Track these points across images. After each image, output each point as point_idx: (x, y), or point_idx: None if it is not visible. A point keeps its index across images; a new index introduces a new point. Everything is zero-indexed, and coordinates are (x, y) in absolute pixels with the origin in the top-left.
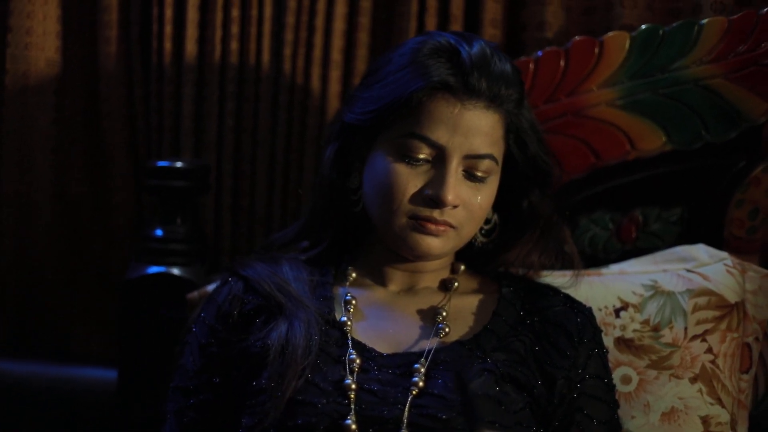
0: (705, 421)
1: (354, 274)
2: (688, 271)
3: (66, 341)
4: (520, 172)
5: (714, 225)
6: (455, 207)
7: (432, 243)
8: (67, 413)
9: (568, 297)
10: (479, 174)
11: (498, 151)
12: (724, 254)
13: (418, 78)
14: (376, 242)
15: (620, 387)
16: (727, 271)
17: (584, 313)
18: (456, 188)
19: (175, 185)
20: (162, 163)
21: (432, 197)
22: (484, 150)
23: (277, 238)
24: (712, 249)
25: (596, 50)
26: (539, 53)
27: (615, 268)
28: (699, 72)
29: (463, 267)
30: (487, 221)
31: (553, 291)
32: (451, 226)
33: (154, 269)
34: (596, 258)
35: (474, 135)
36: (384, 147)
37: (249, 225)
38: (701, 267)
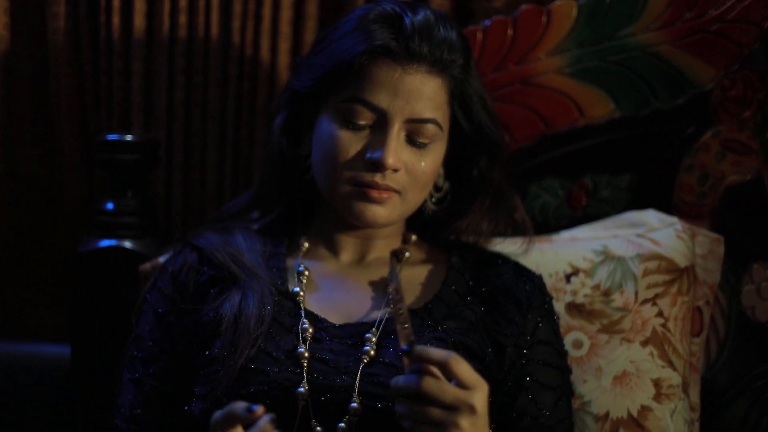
0: (657, 383)
1: (306, 244)
2: (639, 236)
3: (19, 319)
4: (468, 140)
5: (664, 191)
6: (396, 171)
7: (377, 211)
8: (21, 390)
9: (517, 265)
10: (422, 140)
11: (442, 117)
12: (673, 219)
13: (361, 42)
14: (326, 210)
15: (572, 352)
16: (677, 236)
17: (533, 280)
18: (397, 152)
19: (125, 158)
20: (112, 137)
21: (372, 161)
22: (426, 114)
23: (229, 208)
24: (662, 214)
25: (544, 19)
26: (487, 22)
27: (566, 234)
28: (646, 39)
29: (414, 237)
30: (438, 189)
31: (503, 259)
32: (395, 191)
33: (105, 242)
34: (547, 225)
35: (415, 99)
36: (329, 112)
37: (200, 199)
38: (651, 232)
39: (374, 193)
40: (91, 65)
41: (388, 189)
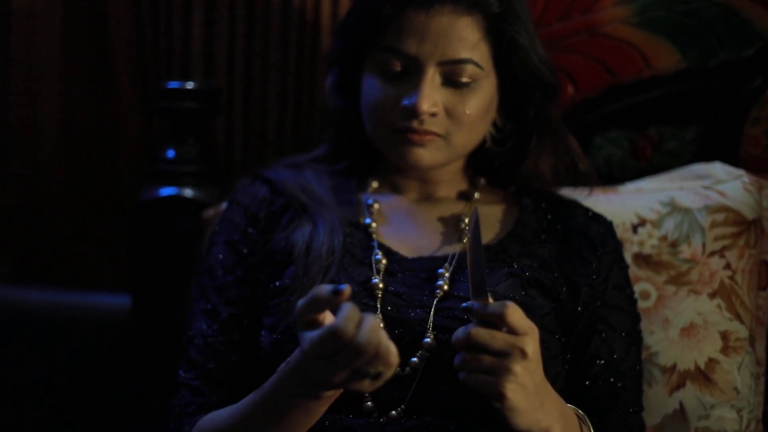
0: (724, 336)
1: (375, 184)
2: (705, 188)
3: (77, 270)
4: (520, 79)
5: (730, 144)
6: (434, 115)
7: (419, 153)
8: (81, 341)
9: (589, 209)
10: (462, 80)
11: (480, 56)
12: (740, 172)
13: None
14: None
15: (640, 303)
16: (744, 189)
17: (606, 224)
18: (432, 96)
19: (186, 106)
20: (173, 84)
21: (407, 107)
22: (459, 54)
23: (299, 159)
24: (729, 167)
25: None
26: None
27: (631, 186)
28: None
29: (483, 180)
30: (500, 130)
31: (575, 203)
32: (437, 135)
33: (166, 191)
34: (611, 177)
35: (445, 41)
36: (367, 67)
37: (260, 148)
38: (718, 184)
39: (415, 136)
40: (151, 13)
41: (428, 133)
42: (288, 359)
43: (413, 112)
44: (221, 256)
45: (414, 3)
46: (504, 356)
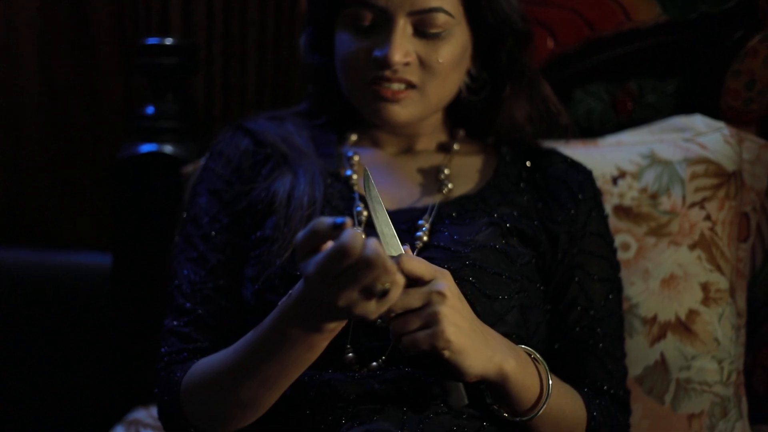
0: (704, 287)
1: (354, 137)
2: (686, 140)
3: (58, 229)
4: (491, 26)
5: (710, 97)
6: (407, 65)
7: (394, 109)
8: (63, 300)
9: (569, 158)
10: (433, 30)
11: (450, 4)
12: (720, 124)
13: None
14: None
15: (620, 254)
16: (725, 141)
17: (585, 172)
18: (403, 46)
19: (165, 62)
20: (152, 41)
21: (379, 58)
22: (429, 4)
23: (279, 113)
24: (709, 119)
25: None
26: None
27: (611, 138)
28: None
29: (462, 132)
30: (474, 80)
31: (554, 151)
32: (410, 85)
33: (146, 147)
34: (592, 130)
35: None
36: (339, 24)
37: (240, 104)
38: (698, 136)
39: (387, 92)
40: None
41: (401, 81)
42: (290, 291)
43: (385, 63)
44: (206, 204)
45: None
46: (426, 306)
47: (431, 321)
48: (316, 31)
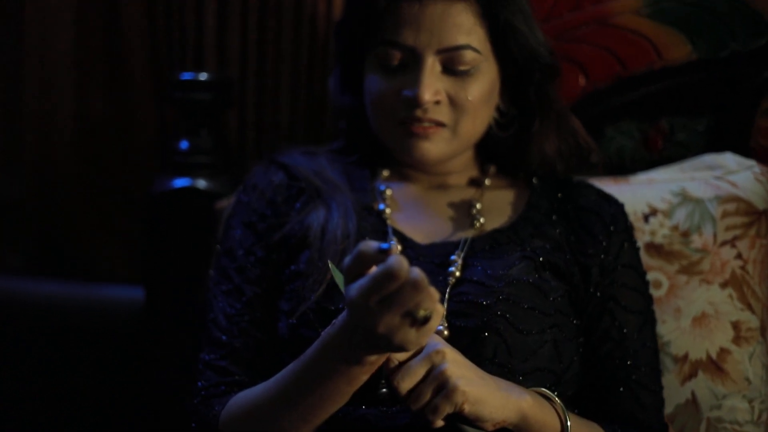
0: (735, 326)
1: (386, 173)
2: (716, 178)
3: (91, 261)
4: (518, 61)
5: (741, 135)
6: (437, 103)
7: (425, 146)
8: (94, 333)
9: (600, 190)
10: (461, 67)
11: (477, 41)
12: (751, 162)
13: None
14: None
15: (651, 292)
16: (755, 179)
17: (618, 204)
18: (433, 85)
19: (199, 97)
20: (186, 76)
21: (409, 97)
22: (457, 41)
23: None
24: (740, 157)
25: None
26: None
27: (643, 176)
28: None
29: (493, 168)
30: (504, 115)
31: (585, 183)
32: (441, 124)
33: (179, 182)
34: (623, 168)
35: (440, 28)
36: (367, 64)
37: (273, 140)
38: (729, 174)
39: (419, 129)
40: (164, 4)
41: (432, 122)
42: (333, 321)
43: (416, 102)
44: (240, 237)
45: None
46: (431, 370)
47: (442, 382)
48: (345, 71)
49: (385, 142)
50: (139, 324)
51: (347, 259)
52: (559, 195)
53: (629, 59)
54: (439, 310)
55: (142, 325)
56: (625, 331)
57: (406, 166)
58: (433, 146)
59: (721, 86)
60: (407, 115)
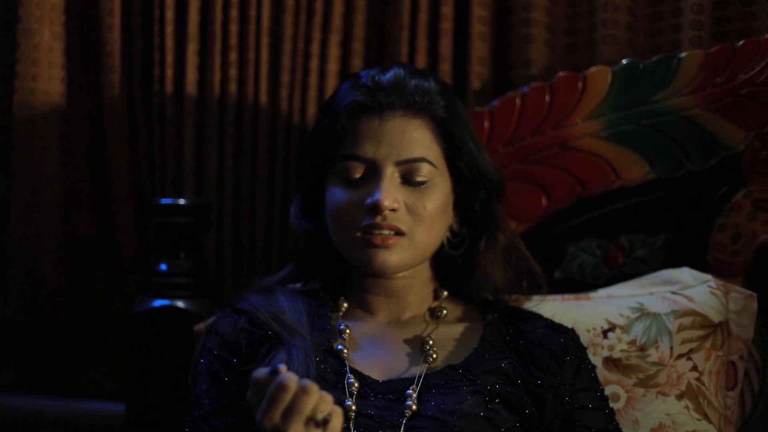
0: None
1: (346, 305)
2: (673, 293)
3: (76, 378)
4: (468, 178)
5: (697, 250)
6: (395, 210)
7: (385, 255)
8: None
9: (550, 321)
10: (419, 178)
11: (433, 155)
12: (707, 276)
13: (337, 109)
14: (357, 274)
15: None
16: (711, 293)
17: (566, 333)
18: (392, 193)
19: (178, 221)
20: (166, 201)
21: (370, 205)
22: (413, 154)
23: (271, 281)
24: (696, 272)
25: (580, 85)
26: (525, 89)
27: (603, 292)
28: (679, 103)
29: (445, 293)
30: (455, 235)
31: (536, 316)
32: (400, 233)
33: (159, 302)
34: (585, 283)
35: (399, 142)
36: (330, 180)
37: (250, 260)
38: (686, 289)
39: (378, 239)
40: (145, 132)
41: (391, 228)
42: None
43: (376, 208)
44: (204, 387)
45: (366, 111)
46: None
47: None
48: (306, 196)
49: (345, 254)
50: None
51: (248, 392)
52: (511, 330)
53: (589, 180)
54: (338, 411)
55: None
56: None
57: (365, 292)
58: (393, 255)
59: (678, 204)
60: (368, 223)
